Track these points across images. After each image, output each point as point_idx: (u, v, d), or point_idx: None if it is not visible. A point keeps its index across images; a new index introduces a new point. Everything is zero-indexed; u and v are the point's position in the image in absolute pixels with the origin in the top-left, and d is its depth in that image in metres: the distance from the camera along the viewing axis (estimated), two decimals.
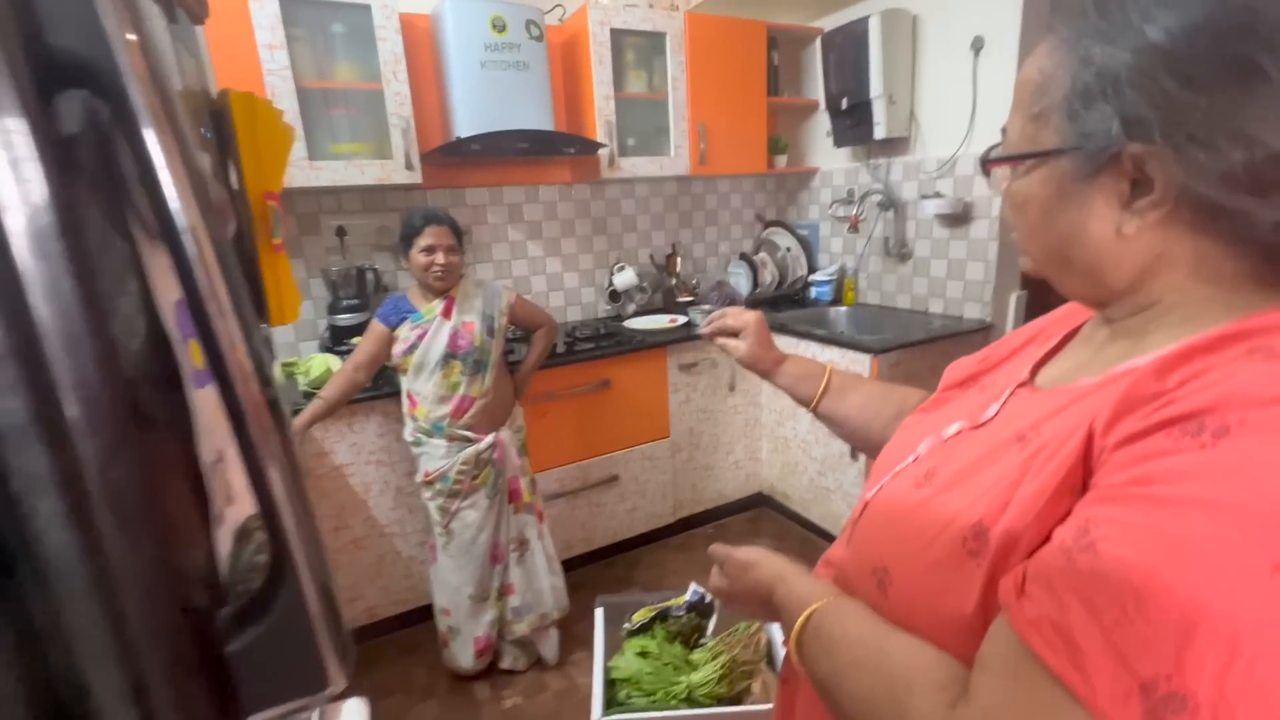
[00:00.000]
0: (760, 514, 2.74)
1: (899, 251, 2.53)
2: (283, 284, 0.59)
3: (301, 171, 1.83)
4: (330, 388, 1.65)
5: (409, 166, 1.98)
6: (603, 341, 2.29)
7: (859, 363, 2.09)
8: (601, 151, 2.24)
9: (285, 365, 2.02)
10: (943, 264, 2.40)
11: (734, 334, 0.91)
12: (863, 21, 2.25)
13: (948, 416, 0.60)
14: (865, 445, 0.85)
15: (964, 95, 2.19)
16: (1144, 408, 0.39)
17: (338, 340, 2.12)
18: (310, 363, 1.92)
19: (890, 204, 2.51)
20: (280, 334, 2.19)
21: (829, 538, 2.43)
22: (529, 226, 2.56)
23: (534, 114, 2.10)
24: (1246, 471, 0.33)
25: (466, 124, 2.02)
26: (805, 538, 2.53)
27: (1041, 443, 0.45)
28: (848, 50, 2.34)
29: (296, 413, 1.64)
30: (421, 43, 2.06)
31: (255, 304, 0.56)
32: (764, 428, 2.63)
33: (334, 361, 1.93)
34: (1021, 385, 0.53)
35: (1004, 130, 0.52)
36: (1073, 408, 0.45)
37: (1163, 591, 0.33)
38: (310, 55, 1.86)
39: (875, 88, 2.28)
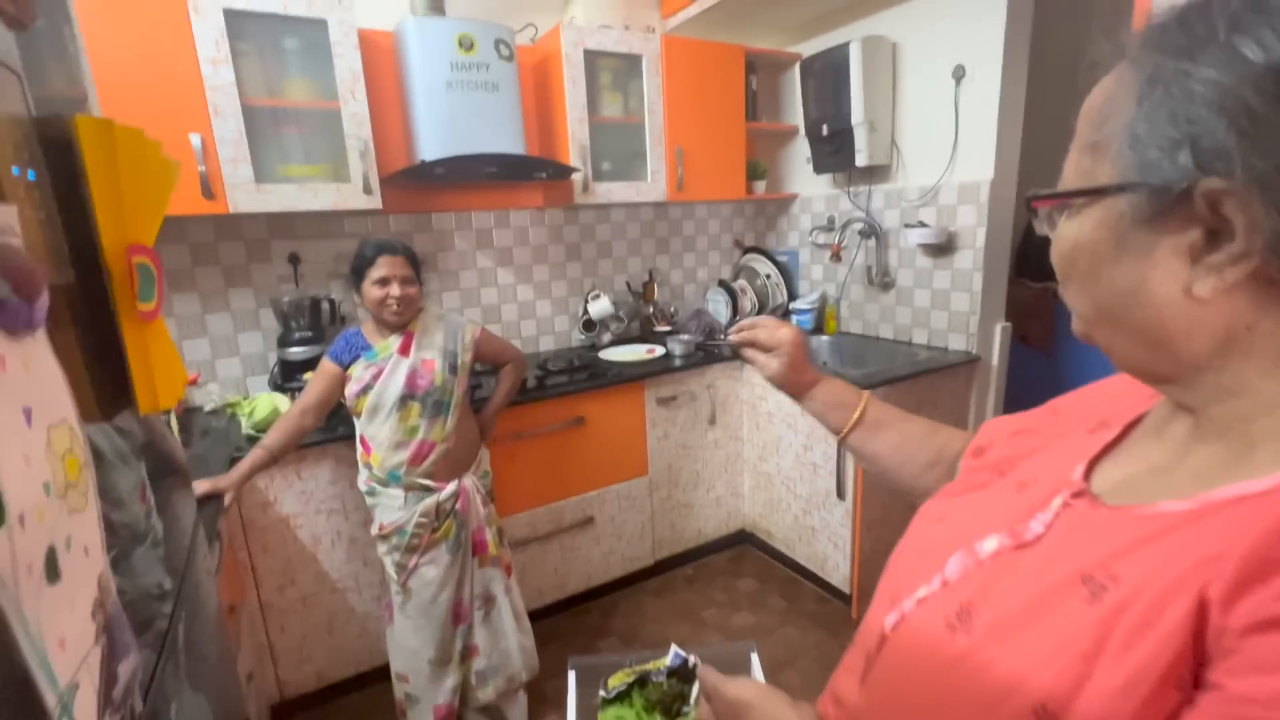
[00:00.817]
0: (742, 552, 2.62)
1: (881, 280, 2.47)
2: (155, 361, 0.47)
3: (248, 195, 1.69)
4: (274, 434, 1.49)
5: (367, 190, 1.85)
6: (577, 374, 2.17)
7: None
8: (575, 176, 2.14)
9: (229, 405, 1.86)
10: (926, 294, 2.34)
11: (764, 349, 0.82)
12: (843, 48, 2.20)
13: (980, 518, 0.49)
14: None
15: (945, 123, 2.15)
16: None
17: (288, 376, 1.96)
18: (256, 402, 1.76)
19: (872, 232, 2.45)
20: (226, 368, 2.02)
21: (814, 578, 2.32)
22: (499, 253, 2.44)
23: (503, 137, 1.99)
24: None
25: (431, 147, 1.90)
26: (789, 578, 2.42)
27: (1120, 598, 0.34)
28: (828, 76, 2.29)
29: (236, 460, 1.48)
30: (382, 60, 1.94)
31: (113, 388, 0.44)
32: (746, 463, 2.52)
33: (282, 401, 1.77)
34: (1077, 495, 0.43)
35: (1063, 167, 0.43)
36: (1159, 544, 0.35)
37: None
38: (259, 71, 1.73)
39: (857, 114, 2.22)
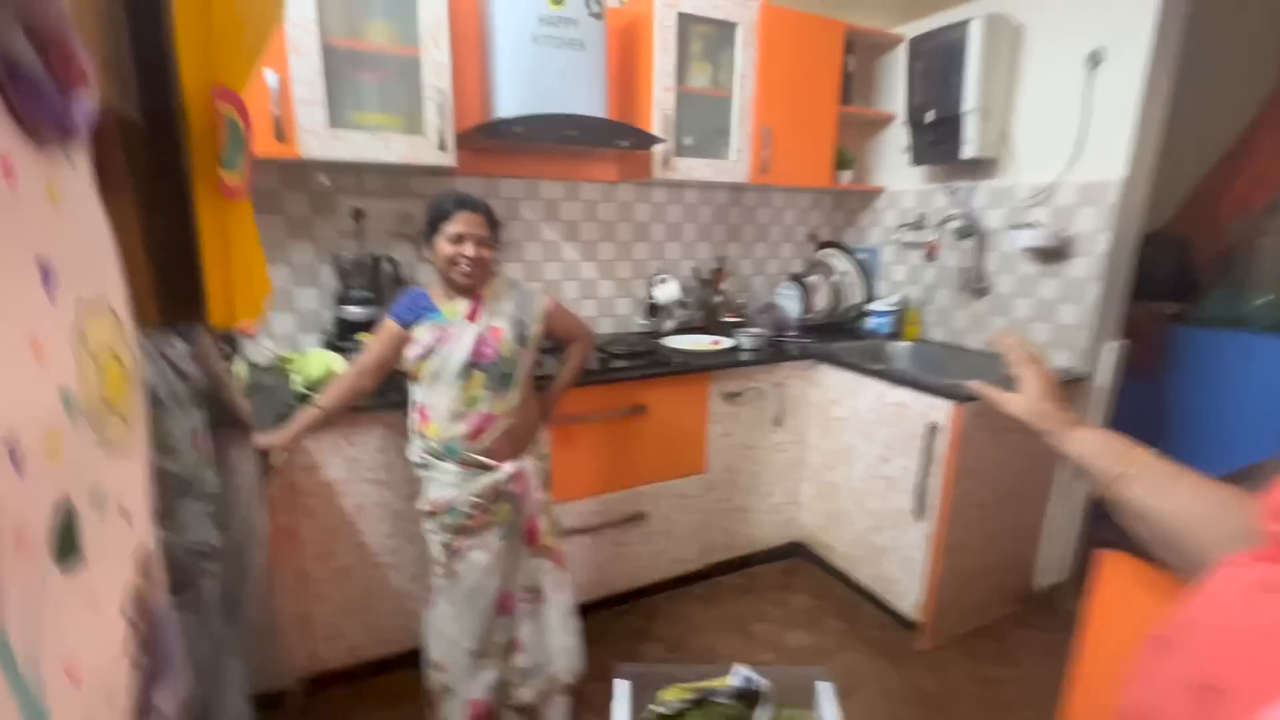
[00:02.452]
0: (795, 565, 2.45)
1: (976, 285, 2.26)
2: (236, 254, 0.35)
3: (319, 140, 1.59)
4: (329, 395, 1.39)
5: (442, 146, 1.74)
6: (639, 360, 2.03)
7: (937, 409, 1.81)
8: (656, 149, 2.00)
9: (280, 361, 1.77)
10: (1028, 303, 2.12)
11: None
12: (961, 27, 2.00)
13: None
14: (1178, 553, 0.57)
15: (1070, 115, 1.93)
16: None
17: (343, 335, 1.87)
18: (309, 360, 1.67)
19: (971, 232, 2.24)
20: (280, 323, 1.94)
21: (876, 601, 2.14)
22: (566, 226, 2.31)
23: (587, 99, 1.86)
24: None
25: (510, 103, 1.78)
26: (848, 598, 2.24)
27: None
28: (939, 58, 2.10)
29: (286, 417, 1.39)
30: (467, 8, 1.83)
31: (178, 286, 0.32)
32: (809, 469, 2.35)
33: (335, 360, 1.67)
34: None
35: None
36: None
37: None
38: (341, 9, 1.63)
39: (969, 101, 2.02)
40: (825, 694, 1.20)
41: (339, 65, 1.64)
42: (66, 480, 0.19)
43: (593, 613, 2.10)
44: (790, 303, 2.61)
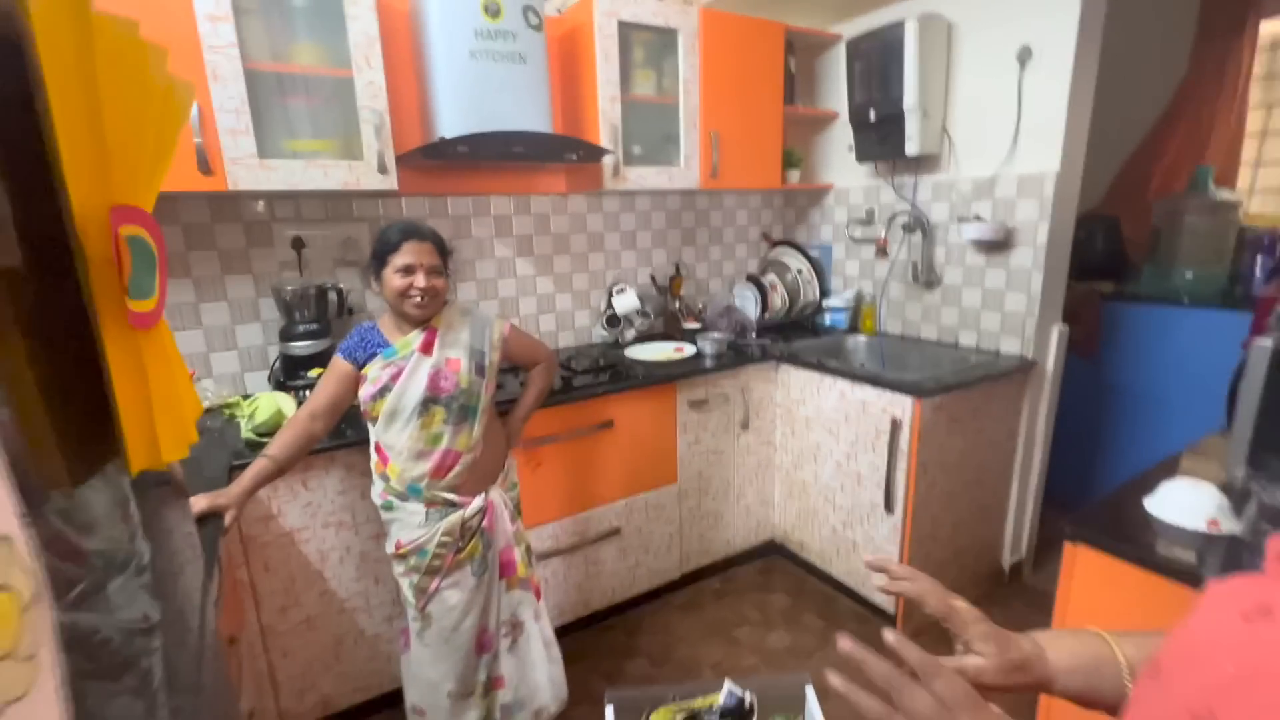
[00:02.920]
0: (771, 564, 2.47)
1: (926, 278, 2.32)
2: (155, 388, 0.30)
3: (249, 171, 1.50)
4: (280, 442, 1.31)
5: (382, 169, 1.67)
6: (603, 374, 2.01)
7: (899, 405, 1.85)
8: (606, 160, 1.97)
9: (226, 405, 1.68)
10: (976, 293, 2.19)
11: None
12: (897, 27, 2.04)
13: None
14: None
15: (1005, 111, 1.99)
16: None
17: (290, 372, 1.78)
18: (257, 403, 1.58)
19: (918, 226, 2.29)
20: (221, 363, 1.84)
21: (852, 594, 2.18)
22: (518, 241, 2.26)
23: (531, 114, 1.81)
24: None
25: (452, 122, 1.72)
26: (824, 593, 2.27)
27: None
28: (878, 58, 2.13)
29: (240, 468, 1.31)
30: (400, 25, 1.76)
31: (89, 435, 0.28)
32: (779, 470, 2.37)
33: (285, 402, 1.59)
34: None
35: None
36: None
37: None
38: (263, 32, 1.54)
39: (909, 99, 2.06)
40: (812, 699, 1.21)
41: (265, 91, 1.56)
42: None
43: (574, 632, 2.07)
44: (749, 304, 2.63)
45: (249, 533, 1.46)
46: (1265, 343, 1.12)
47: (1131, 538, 1.00)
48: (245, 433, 1.54)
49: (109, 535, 0.65)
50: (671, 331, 2.54)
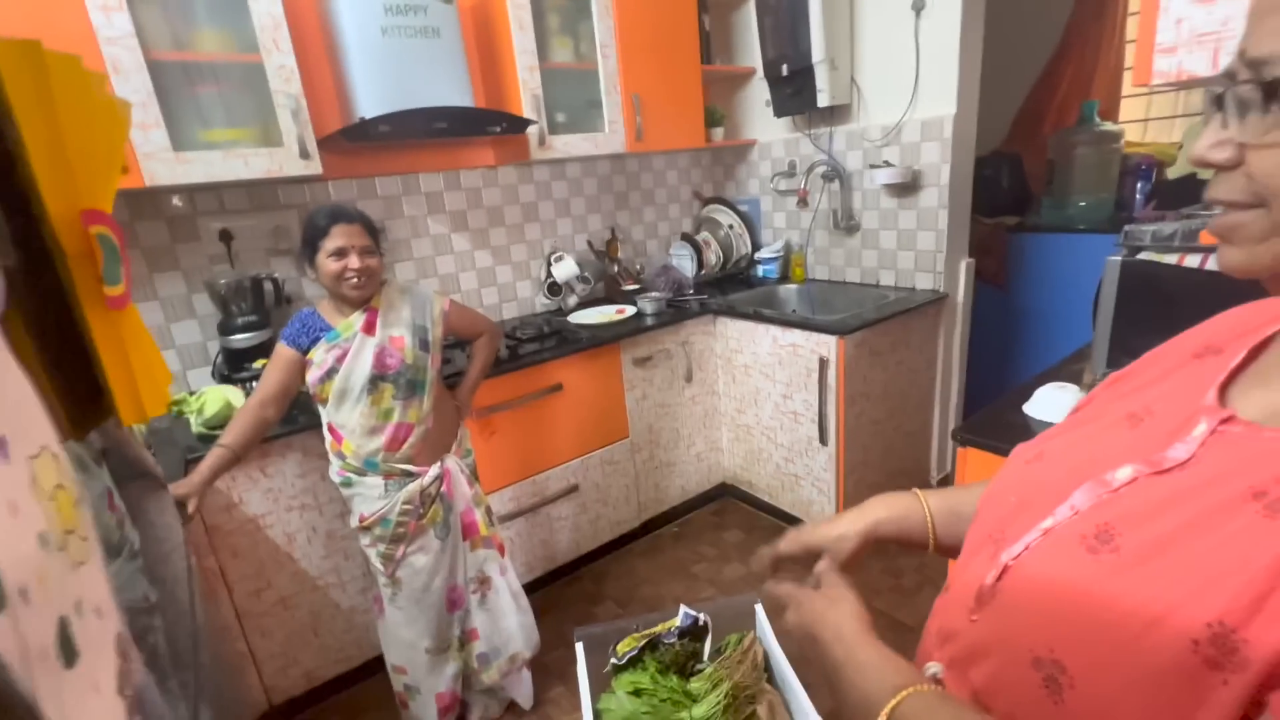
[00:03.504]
0: (725, 504, 2.64)
1: (846, 224, 2.46)
2: (134, 357, 0.37)
3: (165, 166, 1.49)
4: (233, 431, 1.35)
5: (304, 155, 1.67)
6: (548, 341, 2.08)
7: (825, 345, 1.99)
8: (531, 130, 2.00)
9: (173, 403, 1.68)
10: (892, 235, 2.34)
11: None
12: None
13: (1098, 451, 0.46)
14: None
15: (906, 59, 2.11)
16: None
17: (235, 366, 1.79)
18: (204, 397, 1.60)
19: (835, 175, 2.42)
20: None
21: (798, 523, 2.37)
22: (452, 217, 2.29)
23: (450, 89, 1.83)
24: None
25: (371, 102, 1.73)
26: (774, 526, 2.46)
27: None
28: (784, 13, 2.20)
29: (193, 463, 1.35)
30: (306, 5, 1.74)
31: (84, 397, 0.34)
32: (724, 417, 2.52)
33: (234, 394, 1.61)
34: (1226, 420, 0.40)
35: (1259, 57, 0.35)
36: None
37: None
38: (162, 19, 1.50)
39: (817, 53, 2.16)
40: (761, 615, 1.36)
41: (172, 81, 1.53)
42: (58, 602, 0.24)
43: (543, 587, 2.19)
44: (685, 261, 2.72)
45: (213, 522, 1.50)
46: (1115, 258, 1.28)
47: (1008, 436, 1.16)
48: (196, 428, 1.56)
49: (100, 523, 0.71)
50: (612, 294, 2.63)
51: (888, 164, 2.23)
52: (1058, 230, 2.61)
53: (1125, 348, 1.33)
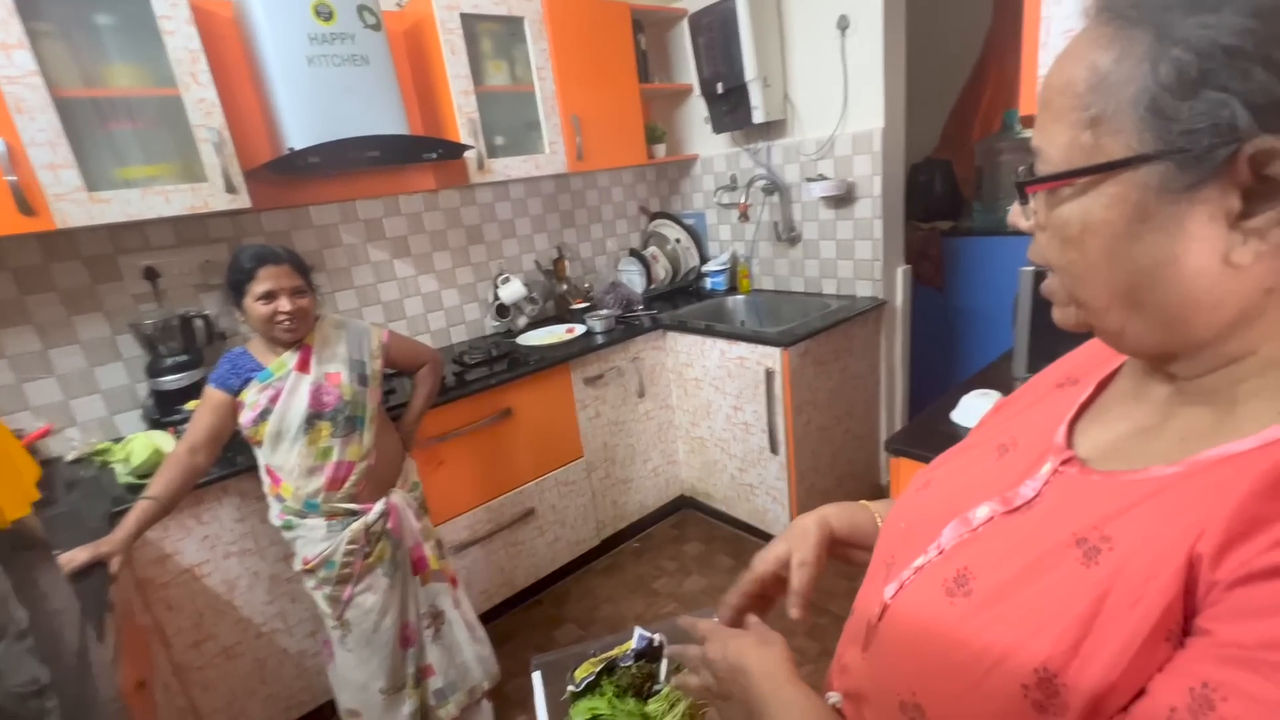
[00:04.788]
0: (684, 517, 2.66)
1: (788, 235, 2.51)
2: None
3: (78, 207, 1.43)
4: (161, 480, 1.30)
5: (230, 189, 1.62)
6: (497, 364, 2.07)
7: (770, 357, 2.03)
8: (469, 154, 1.99)
9: (95, 452, 1.61)
10: (831, 245, 2.41)
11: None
12: (729, 1, 2.16)
13: (968, 484, 0.49)
14: None
15: (835, 75, 2.18)
16: (1267, 531, 0.29)
17: (167, 409, 1.73)
18: (131, 445, 1.53)
19: (775, 188, 2.47)
20: (85, 409, 1.74)
21: (757, 533, 2.40)
22: (393, 243, 2.25)
23: (382, 116, 1.80)
24: None
25: (299, 133, 1.69)
26: (732, 535, 2.48)
27: (1118, 562, 0.34)
28: (717, 32, 2.25)
29: (118, 515, 1.29)
30: (227, 35, 1.69)
31: None
32: (678, 430, 2.54)
33: (163, 440, 1.55)
34: (1066, 462, 0.43)
35: (1032, 149, 0.40)
36: (1150, 506, 0.35)
37: None
38: (69, 56, 1.45)
39: (750, 71, 2.21)
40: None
41: (83, 119, 1.47)
42: None
43: (504, 613, 2.17)
44: (634, 277, 2.74)
45: (144, 576, 1.44)
46: (1028, 269, 1.35)
47: (936, 445, 1.20)
48: (123, 478, 1.50)
49: None
50: (562, 313, 2.62)
51: (823, 177, 2.29)
52: (988, 233, 2.72)
53: (1046, 353, 1.39)
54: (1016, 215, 0.42)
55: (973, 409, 1.25)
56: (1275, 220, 0.32)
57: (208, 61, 1.55)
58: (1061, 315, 0.42)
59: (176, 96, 1.54)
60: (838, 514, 0.69)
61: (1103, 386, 0.48)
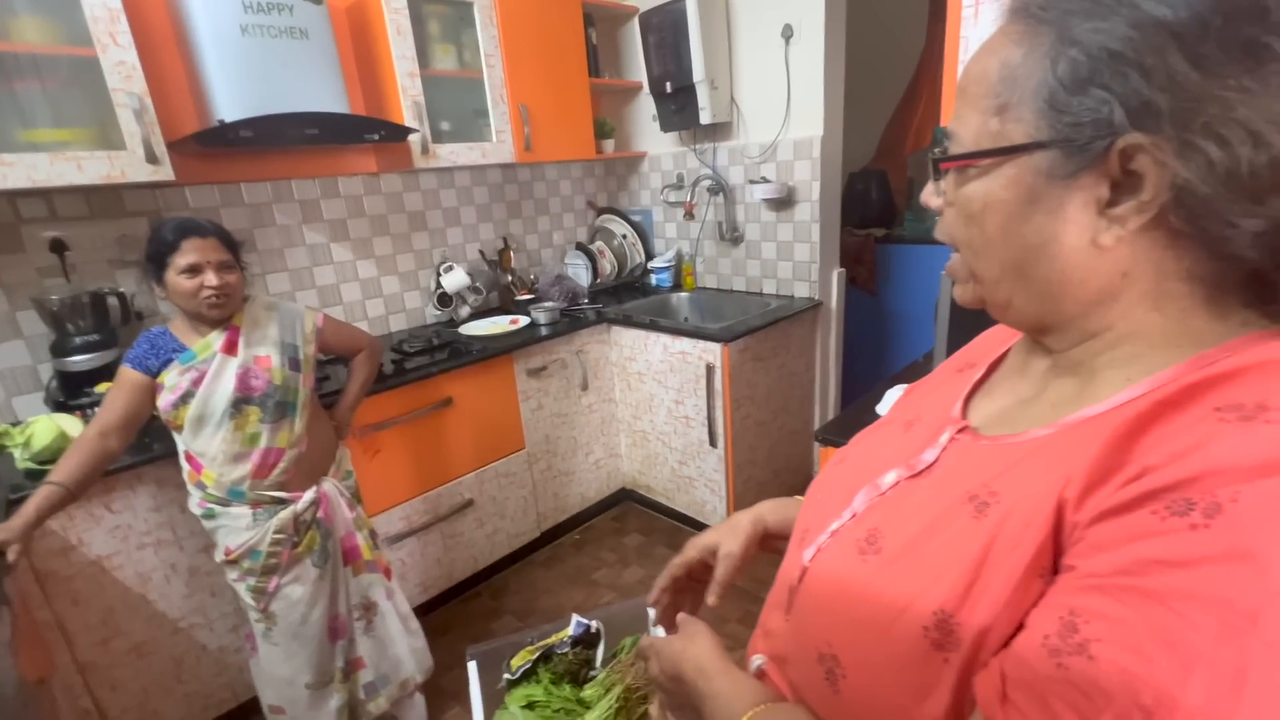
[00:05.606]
0: (625, 509, 2.69)
1: (731, 235, 2.58)
2: None
3: None
4: (68, 465, 1.21)
5: (151, 159, 1.53)
6: (438, 354, 2.03)
7: (710, 352, 2.09)
8: (413, 138, 1.95)
9: None
10: (772, 246, 2.49)
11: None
12: (680, 3, 2.20)
13: (877, 455, 0.54)
14: None
15: (779, 82, 2.25)
16: (1116, 476, 0.34)
17: (73, 391, 1.61)
18: (32, 428, 1.42)
19: (720, 189, 2.53)
20: None
21: (696, 525, 2.46)
22: (330, 226, 2.17)
23: (322, 93, 1.75)
24: (1255, 562, 0.29)
25: (230, 105, 1.62)
26: (671, 527, 2.53)
27: (1003, 513, 0.39)
28: (667, 32, 2.28)
29: (16, 503, 1.20)
30: None
31: None
32: (620, 423, 2.56)
33: (69, 423, 1.45)
34: (961, 430, 0.48)
35: (946, 133, 0.45)
36: (1028, 464, 0.40)
37: (1180, 711, 0.28)
38: None
39: (698, 72, 2.25)
40: (653, 617, 1.40)
41: None
42: None
43: (441, 605, 2.14)
44: (580, 271, 2.75)
45: (45, 568, 1.35)
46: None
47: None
48: (22, 463, 1.39)
49: None
50: (506, 305, 2.60)
51: (765, 180, 2.37)
52: (918, 242, 2.87)
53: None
54: (929, 194, 0.47)
55: (894, 402, 1.33)
56: (1134, 209, 0.36)
57: (129, 22, 1.46)
58: (961, 291, 0.47)
59: (93, 57, 1.44)
60: (773, 510, 0.73)
61: (993, 368, 0.54)
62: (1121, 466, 0.34)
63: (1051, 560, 0.36)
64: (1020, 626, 0.36)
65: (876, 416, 1.36)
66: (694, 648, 0.59)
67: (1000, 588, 0.36)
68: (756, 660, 0.56)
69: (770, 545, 0.73)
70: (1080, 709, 0.31)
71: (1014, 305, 0.44)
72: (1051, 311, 0.42)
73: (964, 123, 0.42)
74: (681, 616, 0.66)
